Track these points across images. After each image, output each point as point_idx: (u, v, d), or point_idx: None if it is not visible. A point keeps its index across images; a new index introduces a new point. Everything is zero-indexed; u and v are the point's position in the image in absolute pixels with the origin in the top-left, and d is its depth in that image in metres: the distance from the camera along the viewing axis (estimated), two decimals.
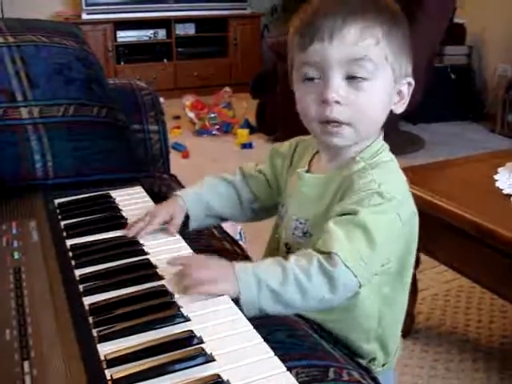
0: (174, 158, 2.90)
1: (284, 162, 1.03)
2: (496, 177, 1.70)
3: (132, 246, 0.95)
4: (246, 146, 3.80)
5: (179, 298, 0.78)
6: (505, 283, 1.50)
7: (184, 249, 0.95)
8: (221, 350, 0.68)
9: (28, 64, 1.30)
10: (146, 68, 5.11)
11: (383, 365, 0.95)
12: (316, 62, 0.85)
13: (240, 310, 0.77)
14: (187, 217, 1.02)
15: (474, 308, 2.01)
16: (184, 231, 1.02)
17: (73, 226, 1.03)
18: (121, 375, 0.63)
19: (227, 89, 4.38)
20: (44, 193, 1.17)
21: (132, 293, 0.79)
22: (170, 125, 3.07)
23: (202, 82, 5.23)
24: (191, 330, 0.70)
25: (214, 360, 0.66)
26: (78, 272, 0.87)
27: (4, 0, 4.65)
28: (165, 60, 5.28)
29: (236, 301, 0.78)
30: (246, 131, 3.91)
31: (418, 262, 1.75)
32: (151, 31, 5.21)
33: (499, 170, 1.75)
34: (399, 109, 0.90)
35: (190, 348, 0.67)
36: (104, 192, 1.18)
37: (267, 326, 0.76)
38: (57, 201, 1.15)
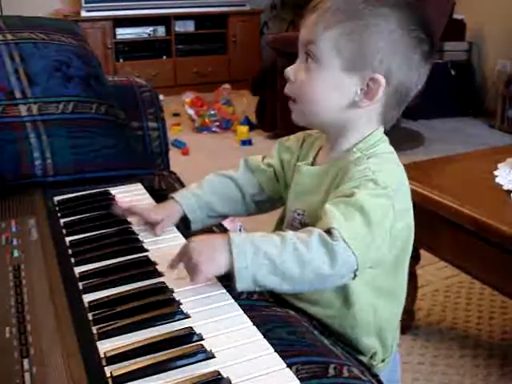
0: (174, 154, 2.90)
1: (292, 156, 1.03)
2: (496, 173, 1.70)
3: (131, 243, 0.95)
4: (246, 142, 3.80)
5: (179, 295, 0.78)
6: (505, 279, 1.50)
7: None
8: (221, 347, 0.68)
9: (27, 61, 1.30)
10: (145, 65, 5.10)
11: (382, 360, 0.95)
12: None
13: (232, 294, 0.77)
14: (186, 219, 1.02)
15: (475, 304, 2.01)
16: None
17: (72, 223, 1.04)
18: (120, 372, 0.63)
19: (227, 85, 4.38)
20: (43, 190, 1.17)
21: (132, 290, 0.79)
22: (169, 122, 3.07)
23: (201, 79, 5.23)
24: (191, 327, 0.70)
25: (213, 357, 0.66)
26: (77, 269, 0.87)
27: None
28: (164, 57, 5.27)
29: (235, 297, 0.78)
30: (245, 128, 3.90)
31: (418, 258, 1.75)
32: (150, 28, 5.21)
33: (499, 165, 1.74)
34: (363, 104, 0.88)
35: (189, 345, 0.68)
36: (103, 189, 1.18)
37: (267, 322, 0.76)
38: (56, 198, 1.15)
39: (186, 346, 0.67)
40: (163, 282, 0.81)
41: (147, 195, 1.17)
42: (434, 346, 1.79)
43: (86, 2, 4.91)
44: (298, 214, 0.94)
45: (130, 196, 1.16)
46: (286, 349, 0.71)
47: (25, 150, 1.24)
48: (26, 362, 0.65)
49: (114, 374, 0.63)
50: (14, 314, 0.74)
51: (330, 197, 0.85)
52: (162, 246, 0.94)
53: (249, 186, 1.05)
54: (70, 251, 0.93)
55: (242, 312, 0.75)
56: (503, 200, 1.58)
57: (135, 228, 1.01)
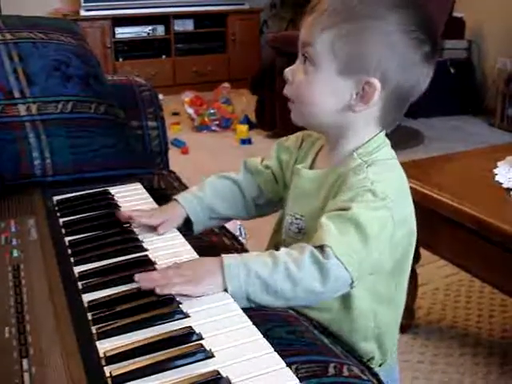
0: (174, 154, 2.90)
1: (290, 156, 1.02)
2: (495, 171, 1.70)
3: (131, 243, 0.94)
4: (246, 141, 3.80)
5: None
6: (505, 277, 1.50)
7: (183, 245, 0.95)
8: (220, 346, 0.68)
9: (26, 61, 1.29)
10: (144, 64, 5.10)
11: (380, 364, 0.94)
12: None
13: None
14: (189, 221, 1.02)
15: (474, 302, 2.01)
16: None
17: (72, 223, 1.03)
18: (120, 372, 0.63)
19: (226, 84, 4.38)
20: (43, 190, 1.17)
21: (131, 289, 0.79)
22: (169, 121, 3.07)
23: (200, 78, 5.23)
24: (190, 327, 0.70)
25: (213, 356, 0.66)
26: (77, 269, 0.87)
27: None
28: (163, 56, 5.27)
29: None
30: (245, 127, 3.90)
31: (417, 256, 1.75)
32: (149, 27, 5.20)
33: (499, 164, 1.74)
34: (358, 108, 0.87)
35: (189, 344, 0.67)
36: (103, 189, 1.18)
37: (267, 322, 0.76)
38: (55, 198, 1.15)
39: (186, 345, 0.67)
40: None
41: (147, 195, 1.17)
42: (434, 344, 1.79)
43: (85, 2, 4.91)
44: (296, 219, 0.93)
45: (129, 196, 1.16)
46: (286, 348, 0.71)
47: (24, 149, 1.24)
48: (25, 361, 0.65)
49: (114, 374, 0.63)
50: (14, 314, 0.74)
51: (328, 206, 0.85)
52: (162, 245, 0.94)
53: (250, 189, 1.05)
54: (69, 251, 0.93)
55: (241, 311, 0.75)
56: (503, 198, 1.58)
57: (135, 227, 1.00)
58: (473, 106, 4.39)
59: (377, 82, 0.84)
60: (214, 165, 3.30)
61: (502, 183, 1.62)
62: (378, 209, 0.81)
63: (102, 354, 0.67)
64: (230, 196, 1.04)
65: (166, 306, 0.75)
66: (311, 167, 0.96)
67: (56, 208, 1.10)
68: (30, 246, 0.93)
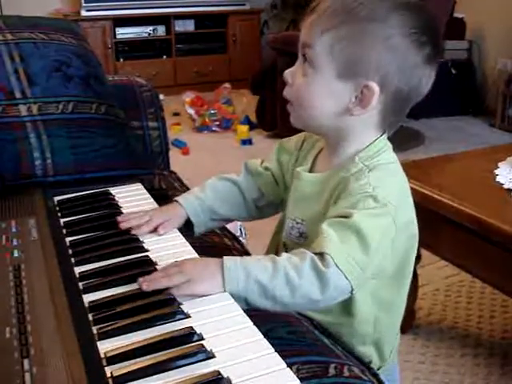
0: (174, 154, 2.90)
1: (290, 158, 1.01)
2: (496, 171, 1.70)
3: (132, 243, 0.94)
4: (246, 142, 3.80)
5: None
6: (506, 278, 1.50)
7: (184, 245, 0.94)
8: (221, 347, 0.68)
9: (26, 61, 1.30)
10: (145, 64, 5.10)
11: (378, 368, 0.94)
12: None
13: None
14: (190, 223, 1.01)
15: (475, 303, 2.01)
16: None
17: (72, 223, 1.03)
18: (121, 372, 0.63)
19: (227, 85, 4.38)
20: (43, 190, 1.17)
21: (132, 290, 0.79)
22: (169, 121, 3.07)
23: (201, 79, 5.23)
24: (191, 327, 0.70)
25: (214, 357, 0.66)
26: (77, 269, 0.87)
27: None
28: (164, 56, 5.27)
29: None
30: (245, 127, 3.90)
31: (418, 257, 1.75)
32: (150, 28, 5.21)
33: (499, 164, 1.74)
34: (356, 111, 0.86)
35: (190, 345, 0.67)
36: (103, 189, 1.18)
37: (267, 322, 0.76)
38: (56, 198, 1.15)
39: (187, 345, 0.67)
40: None
41: (147, 195, 1.17)
42: (435, 345, 1.79)
43: (85, 2, 4.91)
44: (297, 223, 0.93)
45: (130, 196, 1.16)
46: (287, 348, 0.71)
47: (25, 149, 1.24)
48: (26, 362, 0.65)
49: (115, 374, 0.63)
50: (15, 315, 0.74)
51: (330, 211, 0.84)
52: (163, 245, 0.94)
53: (250, 191, 1.04)
54: (70, 251, 0.93)
55: (242, 312, 0.75)
56: (504, 199, 1.58)
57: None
58: (473, 107, 4.39)
59: (375, 86, 0.83)
60: (215, 165, 3.30)
61: (502, 184, 1.62)
62: (379, 216, 0.81)
63: (102, 355, 0.67)
64: (231, 197, 1.04)
65: (166, 307, 0.75)
66: (311, 169, 0.96)
67: (57, 208, 1.10)
68: (31, 246, 0.93)
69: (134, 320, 0.72)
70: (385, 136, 0.91)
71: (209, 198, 1.02)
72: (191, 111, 4.17)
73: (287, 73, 0.90)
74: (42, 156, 1.25)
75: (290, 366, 0.65)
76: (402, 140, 3.49)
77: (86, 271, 0.86)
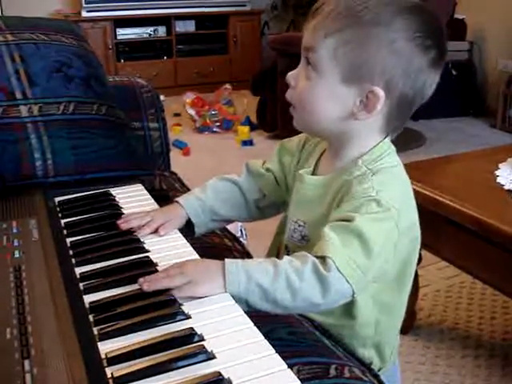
0: (175, 155, 2.90)
1: (292, 159, 1.01)
2: (497, 172, 1.70)
3: (132, 244, 0.94)
4: (247, 142, 3.80)
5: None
6: (506, 279, 1.50)
7: (184, 246, 0.94)
8: (222, 348, 0.67)
9: (27, 62, 1.30)
10: (146, 65, 5.10)
11: (379, 369, 0.93)
12: None
13: None
14: (190, 223, 1.01)
15: (476, 304, 2.01)
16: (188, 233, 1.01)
17: (73, 224, 1.03)
18: (121, 373, 0.63)
19: (227, 86, 4.38)
20: (44, 191, 1.17)
21: (133, 291, 0.79)
22: (170, 122, 3.07)
23: (202, 79, 5.23)
24: (192, 328, 0.70)
25: (214, 357, 0.66)
26: (78, 270, 0.87)
27: None
28: (165, 57, 5.27)
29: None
30: (246, 128, 3.90)
31: (419, 258, 1.75)
32: (151, 28, 5.21)
33: (500, 165, 1.74)
34: (361, 116, 0.85)
35: (190, 345, 0.67)
36: (104, 190, 1.18)
37: (268, 323, 0.76)
38: (57, 199, 1.15)
39: (187, 346, 0.67)
40: None
41: (148, 196, 1.16)
42: (436, 346, 1.79)
43: (86, 3, 4.91)
44: (299, 225, 0.92)
45: (130, 197, 1.16)
46: (287, 349, 0.71)
47: (25, 150, 1.24)
48: (26, 363, 0.65)
49: (115, 375, 0.63)
50: (15, 315, 0.74)
51: (332, 215, 0.84)
52: (164, 246, 0.94)
53: (251, 191, 1.04)
54: (70, 252, 0.93)
55: (242, 312, 0.75)
56: (504, 200, 1.58)
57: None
58: (474, 108, 4.39)
59: (381, 92, 0.83)
60: (216, 166, 3.30)
61: (503, 185, 1.62)
62: (382, 220, 0.80)
63: (103, 355, 0.66)
64: (232, 198, 1.04)
65: (167, 307, 0.75)
66: (314, 172, 0.95)
67: (57, 209, 1.10)
68: (32, 246, 0.93)
69: (134, 321, 0.72)
70: (388, 139, 0.91)
71: (209, 198, 1.02)
72: (192, 112, 4.17)
73: (290, 75, 0.89)
74: (42, 157, 1.25)
75: (290, 366, 0.65)
76: (402, 141, 3.49)
77: (87, 272, 0.86)
